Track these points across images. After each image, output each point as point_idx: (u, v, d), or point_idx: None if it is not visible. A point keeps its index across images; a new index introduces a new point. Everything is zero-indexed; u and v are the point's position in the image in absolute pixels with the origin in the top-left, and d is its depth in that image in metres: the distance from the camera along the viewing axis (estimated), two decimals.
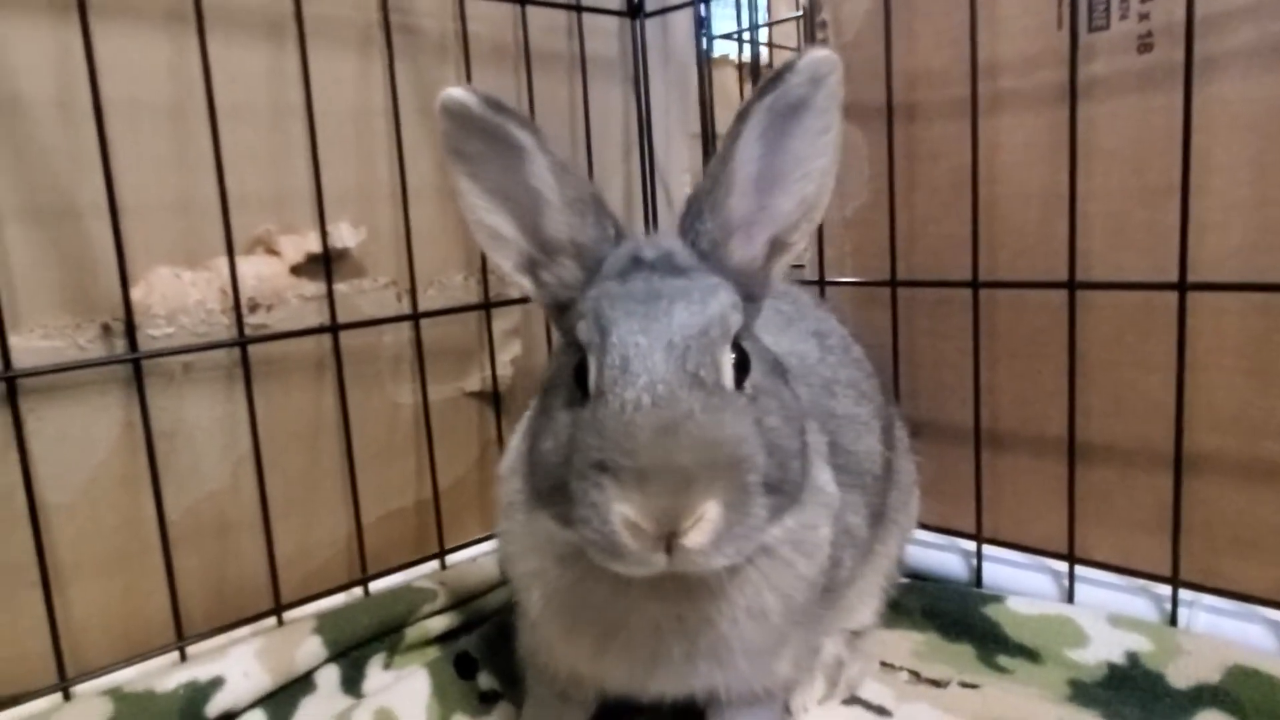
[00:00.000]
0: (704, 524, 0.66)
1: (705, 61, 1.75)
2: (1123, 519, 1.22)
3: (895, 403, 1.23)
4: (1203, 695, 1.03)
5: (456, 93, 0.79)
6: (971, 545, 1.31)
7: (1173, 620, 1.13)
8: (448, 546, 1.40)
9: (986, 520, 1.30)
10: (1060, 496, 1.22)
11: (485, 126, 0.79)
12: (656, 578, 0.73)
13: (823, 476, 0.86)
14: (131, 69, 1.10)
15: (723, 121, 1.93)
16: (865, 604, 1.15)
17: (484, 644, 1.21)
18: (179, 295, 1.14)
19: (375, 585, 1.32)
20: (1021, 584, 1.26)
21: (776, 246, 0.83)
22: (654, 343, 0.71)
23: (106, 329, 1.08)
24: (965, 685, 1.12)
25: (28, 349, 1.03)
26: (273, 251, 1.23)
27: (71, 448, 1.09)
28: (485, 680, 1.17)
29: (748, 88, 2.12)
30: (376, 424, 1.37)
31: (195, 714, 1.06)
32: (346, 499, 1.31)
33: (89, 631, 1.14)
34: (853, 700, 1.11)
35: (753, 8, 1.69)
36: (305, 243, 1.24)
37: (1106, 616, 1.15)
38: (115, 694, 1.04)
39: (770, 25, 1.85)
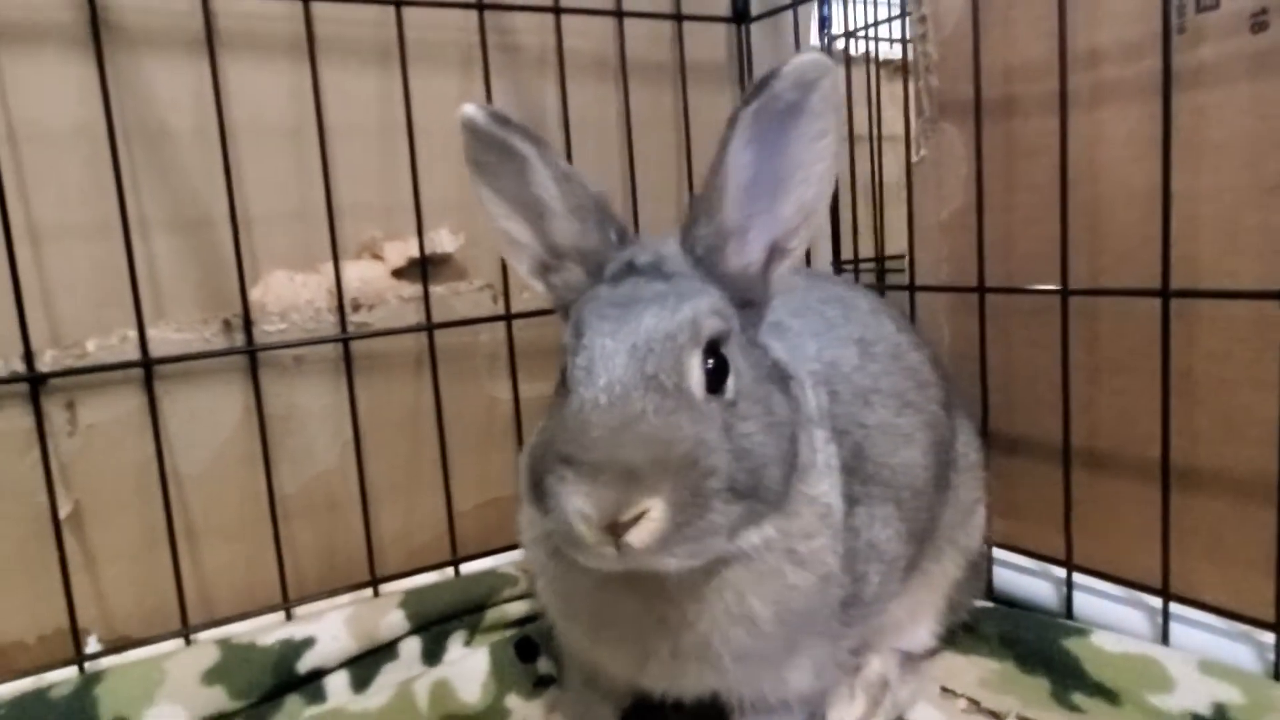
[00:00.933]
0: (648, 522, 0.68)
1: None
2: (1232, 555, 1.09)
3: (967, 415, 1.17)
4: None
5: (469, 108, 0.86)
6: (1062, 573, 1.21)
7: (1276, 673, 1.00)
8: None
9: (1082, 547, 1.20)
10: (1159, 526, 1.11)
11: (492, 140, 0.85)
12: (634, 576, 0.76)
13: (820, 487, 0.85)
14: (257, 96, 1.25)
15: (860, 119, 1.90)
16: (920, 624, 1.11)
17: (546, 631, 1.27)
18: (292, 295, 1.28)
19: (466, 567, 1.42)
20: (1113, 619, 1.16)
21: (776, 252, 0.84)
22: (619, 345, 0.74)
23: (227, 324, 1.25)
24: (1024, 719, 1.05)
25: (163, 340, 1.21)
26: (377, 256, 1.35)
27: (200, 426, 1.26)
28: (544, 665, 1.23)
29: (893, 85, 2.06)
30: (475, 417, 1.47)
31: (288, 668, 1.19)
32: (449, 483, 1.42)
33: (218, 587, 1.31)
34: None
35: (873, 4, 1.64)
36: (407, 248, 1.36)
37: (1198, 662, 1.04)
38: (224, 644, 1.19)
39: (878, 24, 1.79)
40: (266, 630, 1.22)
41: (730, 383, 0.77)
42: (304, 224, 1.30)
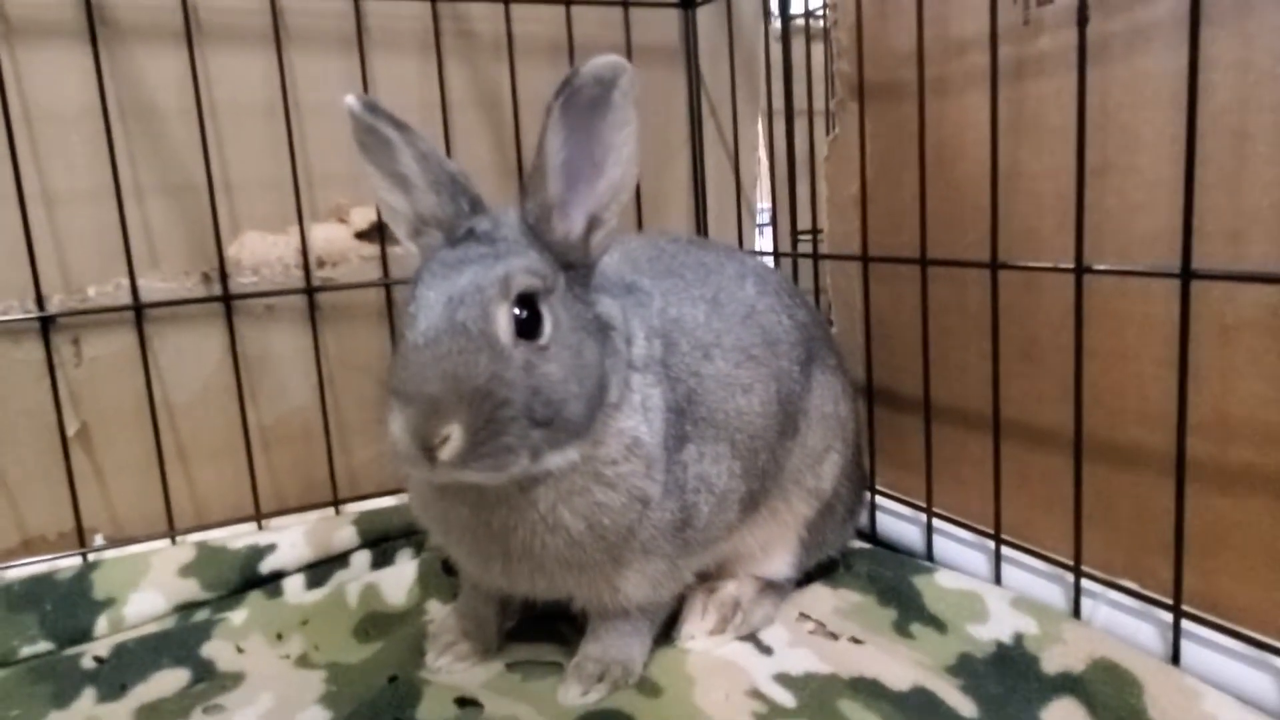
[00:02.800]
0: (450, 443, 0.84)
1: (784, 37, 1.82)
2: (1061, 506, 1.19)
3: (838, 373, 1.28)
4: (1064, 683, 1.03)
5: (350, 99, 1.00)
6: (917, 516, 1.33)
7: (1075, 611, 1.11)
8: None
9: (942, 496, 1.31)
10: (1009, 478, 1.22)
11: (367, 125, 1.00)
12: (464, 487, 0.94)
13: (628, 422, 0.99)
14: (235, 79, 1.45)
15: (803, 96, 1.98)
16: (774, 557, 1.24)
17: None
18: (264, 252, 1.49)
19: None
20: (961, 561, 1.28)
21: (594, 222, 0.97)
22: (439, 298, 0.89)
23: (206, 276, 1.46)
24: (854, 640, 1.18)
25: (152, 288, 1.43)
26: (343, 220, 1.55)
27: (187, 363, 1.48)
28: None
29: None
30: None
31: (252, 569, 1.40)
32: None
33: (208, 500, 1.54)
34: (748, 639, 1.21)
35: None
36: (370, 213, 1.55)
37: (1012, 599, 1.15)
38: (201, 545, 1.42)
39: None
40: (237, 537, 1.45)
41: (546, 330, 0.91)
42: (278, 191, 1.50)
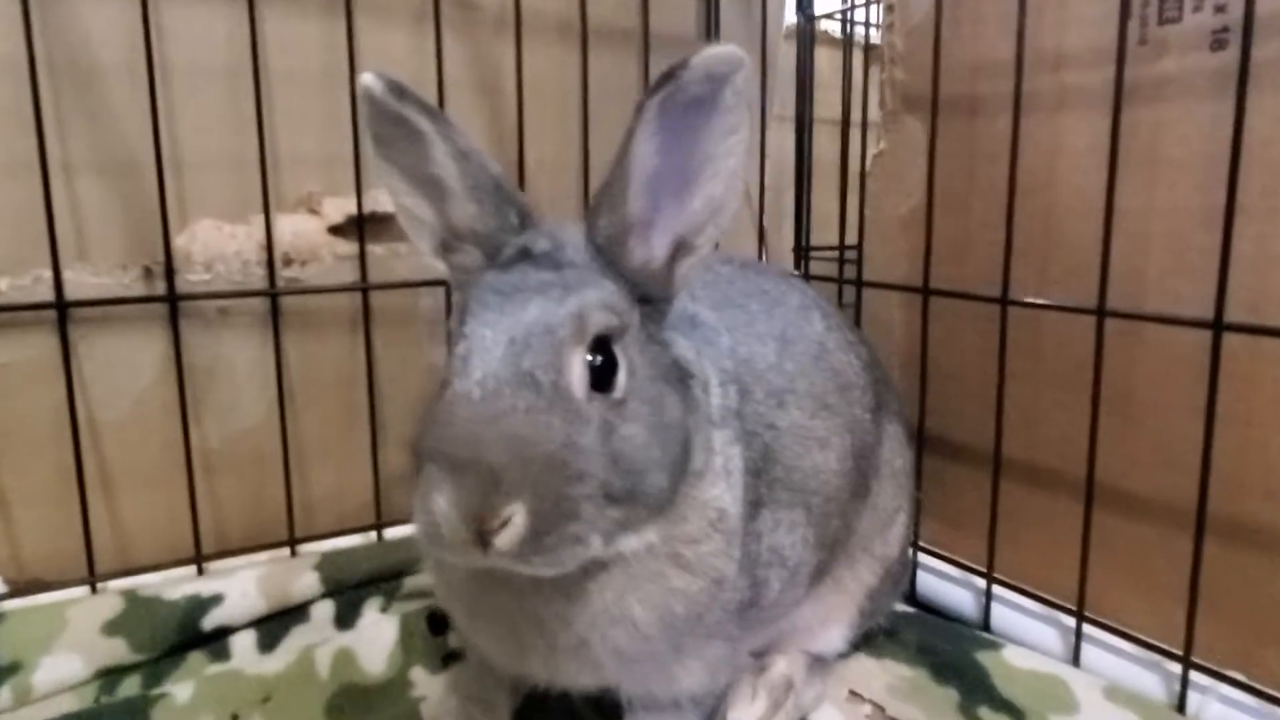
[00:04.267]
0: (511, 528, 0.65)
1: (807, 41, 1.67)
2: (1152, 583, 1.08)
3: (899, 420, 1.13)
4: None
5: (366, 77, 0.80)
6: (979, 584, 1.20)
7: (1180, 706, 0.99)
8: None
9: (1005, 560, 1.18)
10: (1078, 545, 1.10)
11: (390, 113, 0.80)
12: (507, 571, 0.73)
13: (713, 491, 0.82)
14: (194, 37, 1.21)
15: (822, 104, 1.84)
16: (830, 629, 1.09)
17: None
18: (219, 245, 1.25)
19: (391, 533, 1.40)
20: (1028, 635, 1.15)
21: (681, 247, 0.79)
22: (498, 338, 0.70)
23: (148, 271, 1.21)
24: None
25: (80, 284, 1.17)
26: (314, 211, 1.32)
27: (119, 373, 1.23)
28: (455, 639, 1.22)
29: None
30: (412, 383, 1.43)
31: (192, 625, 1.17)
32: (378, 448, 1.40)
33: (135, 537, 1.29)
34: None
35: None
36: (346, 204, 1.32)
37: (1104, 687, 1.02)
38: (129, 595, 1.17)
39: (854, 7, 1.73)
40: (175, 584, 1.21)
41: (620, 381, 0.73)
42: (237, 173, 1.26)
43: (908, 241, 1.36)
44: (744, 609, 0.88)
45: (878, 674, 1.15)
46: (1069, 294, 1.13)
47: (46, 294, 1.14)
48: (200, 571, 1.27)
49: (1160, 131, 1.02)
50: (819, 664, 1.10)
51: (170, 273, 1.19)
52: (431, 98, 1.32)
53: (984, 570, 1.19)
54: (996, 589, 1.19)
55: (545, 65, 1.42)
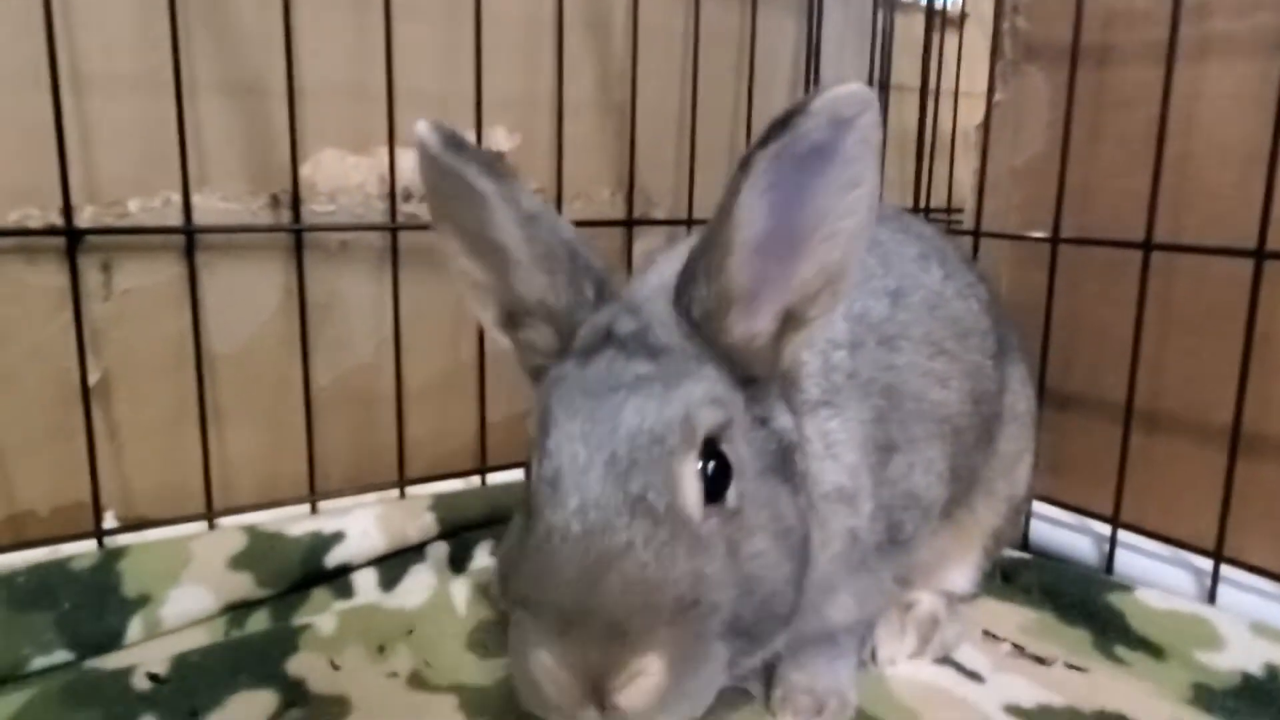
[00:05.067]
0: (643, 681, 0.57)
1: (886, 6, 1.67)
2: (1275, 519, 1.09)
3: (1022, 363, 1.13)
4: None
5: (420, 127, 0.71)
6: (1105, 529, 1.21)
7: None
8: None
9: (1128, 506, 1.19)
10: (1216, 490, 1.11)
11: (445, 167, 0.70)
12: None
13: (831, 478, 0.79)
14: None
15: (902, 71, 1.84)
16: (956, 569, 1.10)
17: None
18: (342, 176, 1.22)
19: (493, 478, 1.38)
20: (1155, 577, 1.16)
21: (791, 321, 0.69)
22: (593, 455, 0.61)
23: (275, 200, 1.18)
24: (1071, 667, 1.05)
25: (208, 208, 1.14)
26: None
27: (238, 304, 1.20)
28: None
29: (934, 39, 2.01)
30: None
31: (316, 561, 1.15)
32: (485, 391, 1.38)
33: (240, 474, 1.26)
34: (945, 661, 1.06)
35: None
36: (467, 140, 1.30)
37: (1250, 624, 1.04)
38: (251, 530, 1.15)
39: None
40: (293, 521, 1.18)
41: (733, 487, 0.64)
42: (358, 103, 1.23)
43: (1020, 193, 1.37)
44: (884, 544, 0.88)
45: (1007, 615, 1.16)
46: (1205, 241, 1.13)
47: (175, 218, 1.11)
48: (314, 510, 1.24)
49: None
50: (956, 603, 1.11)
51: (296, 202, 1.17)
52: (549, 35, 1.31)
53: (1107, 516, 1.20)
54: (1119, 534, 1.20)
55: (652, 7, 1.40)
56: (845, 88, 0.61)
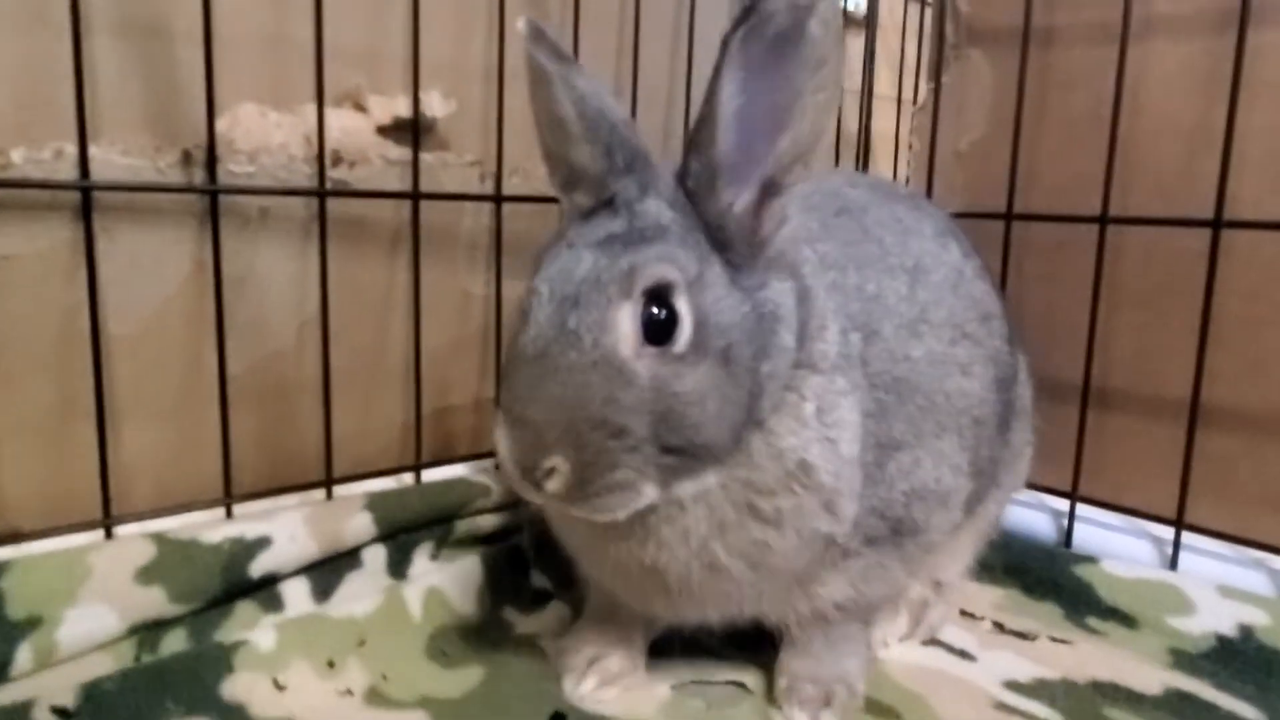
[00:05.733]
0: (556, 476, 0.71)
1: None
2: (1241, 491, 1.13)
3: (1025, 352, 1.12)
4: None
5: (520, 22, 0.81)
6: (1062, 504, 1.22)
7: None
8: None
9: (1083, 481, 1.21)
10: (1169, 461, 1.13)
11: (529, 55, 0.81)
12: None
13: (791, 440, 0.78)
14: None
15: None
16: (956, 560, 1.08)
17: (536, 543, 1.15)
18: (263, 134, 1.08)
19: (427, 475, 1.26)
20: (1116, 548, 1.17)
21: (769, 189, 0.77)
22: (551, 293, 0.73)
23: (188, 156, 1.03)
24: (1055, 640, 1.04)
25: (107, 163, 0.98)
26: (360, 108, 1.17)
27: (141, 276, 1.03)
28: (537, 579, 1.11)
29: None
30: (446, 311, 1.30)
31: (239, 571, 1.00)
32: (408, 384, 1.26)
33: (136, 475, 1.09)
34: (933, 643, 1.03)
35: None
36: (394, 105, 1.18)
37: (1216, 587, 1.06)
38: (159, 539, 0.99)
39: None
40: (207, 527, 1.03)
41: (684, 333, 0.73)
42: (278, 54, 1.10)
43: (964, 175, 1.38)
44: (884, 541, 0.86)
45: (979, 594, 1.15)
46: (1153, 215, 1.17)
47: (69, 172, 0.94)
48: (229, 514, 1.09)
49: (1259, 56, 1.07)
50: (940, 587, 1.08)
51: (212, 159, 1.02)
52: None
53: (1062, 491, 1.21)
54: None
55: None
56: None
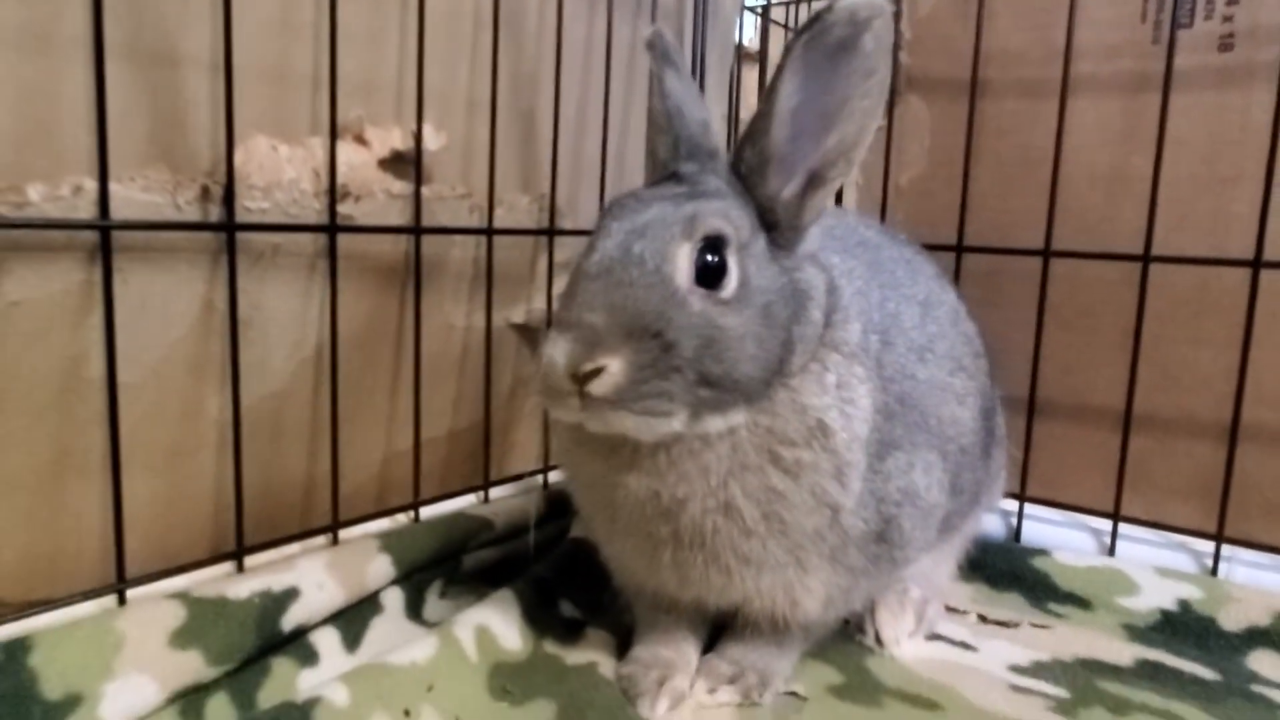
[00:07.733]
0: (606, 376, 0.76)
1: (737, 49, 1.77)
2: (1158, 485, 1.32)
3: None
4: (1254, 636, 1.12)
5: (650, 30, 0.96)
6: (1010, 506, 1.37)
7: (1213, 573, 1.23)
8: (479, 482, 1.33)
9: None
10: (1099, 461, 1.31)
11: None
12: (629, 454, 0.84)
13: (815, 400, 0.86)
14: None
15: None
16: (945, 563, 1.20)
17: (558, 573, 1.17)
18: (275, 169, 1.04)
19: (426, 511, 1.24)
20: (1060, 542, 1.33)
21: (814, 181, 0.87)
22: (620, 228, 0.83)
23: (205, 192, 0.97)
24: (1036, 626, 1.17)
25: (128, 199, 0.91)
26: (361, 141, 1.14)
27: (149, 320, 0.97)
28: (567, 609, 1.13)
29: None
30: (429, 344, 1.28)
31: (271, 625, 0.96)
32: (390, 418, 1.24)
33: (134, 530, 1.01)
34: (935, 637, 1.14)
35: None
36: (390, 138, 1.16)
37: (1154, 569, 1.23)
38: (185, 598, 0.93)
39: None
40: (230, 582, 0.98)
41: (731, 283, 0.82)
42: (282, 86, 1.06)
43: (903, 210, 1.52)
44: (872, 542, 0.93)
45: (954, 590, 1.27)
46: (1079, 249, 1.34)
47: (89, 209, 0.87)
48: (240, 568, 1.03)
49: (1173, 116, 1.25)
50: (933, 587, 1.19)
51: (230, 195, 0.97)
52: (468, 29, 1.23)
53: (1015, 494, 1.36)
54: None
55: (567, 14, 1.35)
56: None
